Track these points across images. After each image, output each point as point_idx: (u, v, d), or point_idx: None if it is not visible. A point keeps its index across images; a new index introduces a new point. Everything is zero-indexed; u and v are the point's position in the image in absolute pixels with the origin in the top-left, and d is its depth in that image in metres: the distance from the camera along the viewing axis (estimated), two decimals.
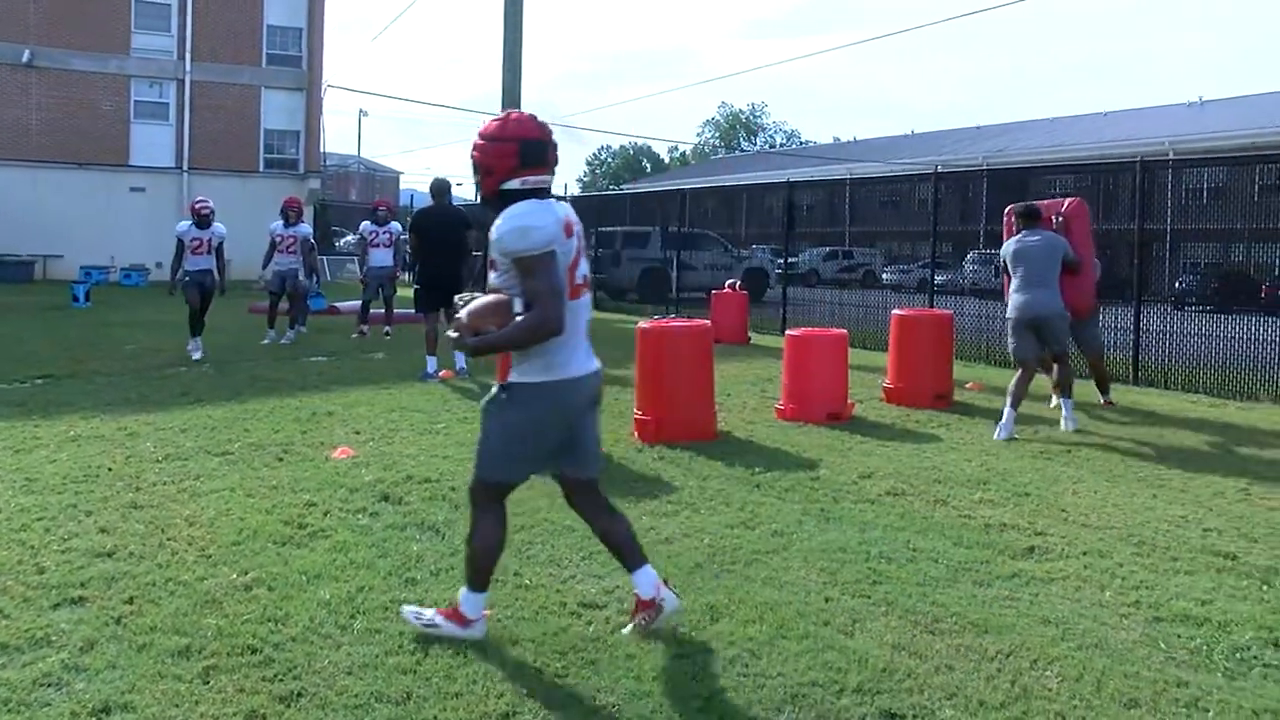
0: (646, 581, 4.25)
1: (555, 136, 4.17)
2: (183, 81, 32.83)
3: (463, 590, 4.20)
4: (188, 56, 32.67)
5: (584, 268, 4.15)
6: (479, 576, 4.17)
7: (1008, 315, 9.19)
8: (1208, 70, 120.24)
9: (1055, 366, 9.42)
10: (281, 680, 3.79)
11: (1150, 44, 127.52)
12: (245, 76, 33.75)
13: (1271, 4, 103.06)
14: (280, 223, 15.27)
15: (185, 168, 32.82)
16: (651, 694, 3.72)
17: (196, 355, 12.74)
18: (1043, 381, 10.18)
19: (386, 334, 16.07)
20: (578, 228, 4.12)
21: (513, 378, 4.06)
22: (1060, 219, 9.66)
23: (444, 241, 11.83)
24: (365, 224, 17.16)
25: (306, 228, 15.73)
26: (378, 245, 16.70)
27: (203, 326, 13.09)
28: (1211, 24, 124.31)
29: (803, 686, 3.79)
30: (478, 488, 4.21)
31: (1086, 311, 9.92)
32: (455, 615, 4.15)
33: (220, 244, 13.14)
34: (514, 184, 4.00)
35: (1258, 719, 3.65)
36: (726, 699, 3.70)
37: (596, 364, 4.35)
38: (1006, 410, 8.71)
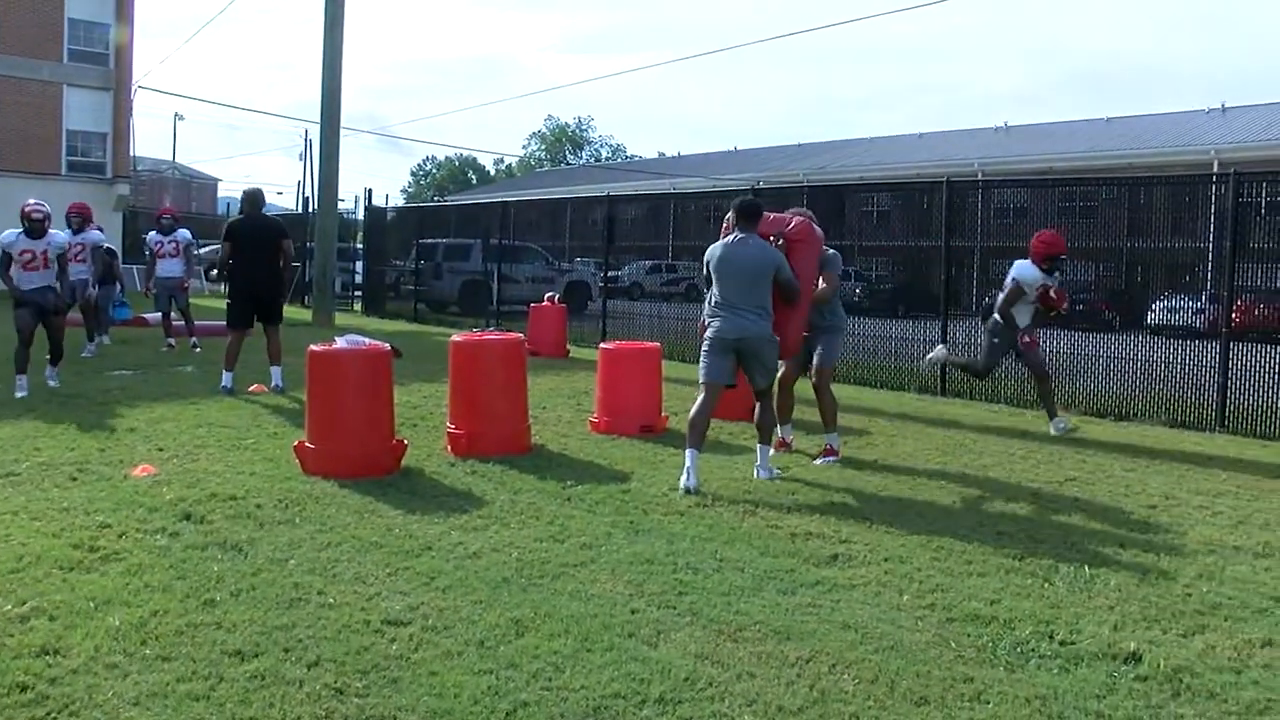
0: None
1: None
2: None
3: None
4: None
5: None
6: None
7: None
8: (1010, 98, 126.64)
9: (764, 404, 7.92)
10: (55, 719, 3.60)
11: (959, 72, 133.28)
12: (45, 72, 31.98)
13: (1072, 41, 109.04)
14: (153, 232, 14.58)
15: None
16: (453, 711, 3.70)
17: (21, 394, 10.53)
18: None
19: (195, 347, 15.45)
20: None
21: None
22: (781, 240, 7.77)
23: (259, 252, 11.54)
24: (151, 234, 16.50)
25: (97, 234, 14.60)
26: (164, 255, 16.05)
27: (61, 355, 11.40)
28: (1019, 56, 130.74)
29: (605, 699, 3.82)
30: None
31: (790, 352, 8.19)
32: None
33: (61, 254, 11.22)
34: None
35: (1029, 705, 3.87)
36: (529, 714, 3.71)
37: None
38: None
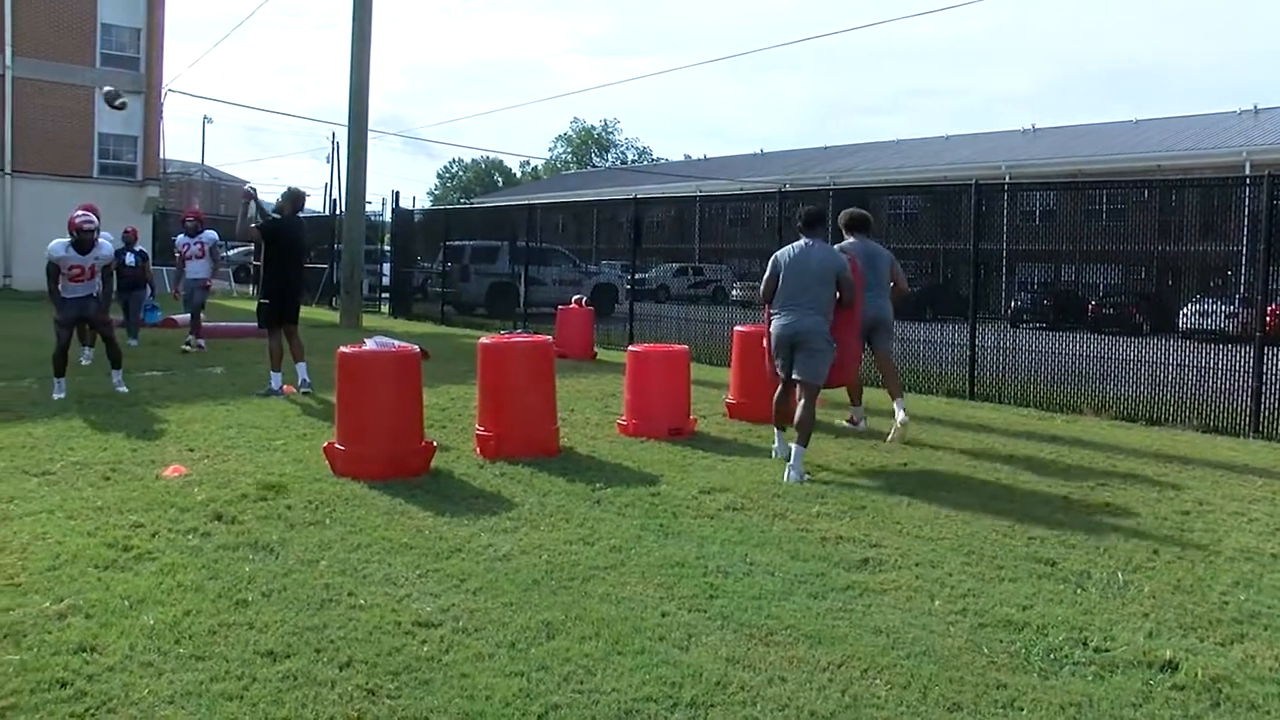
0: None
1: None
2: (2, 77, 31.17)
3: None
4: (8, 50, 31.03)
5: None
6: None
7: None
8: (1033, 102, 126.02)
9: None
10: (94, 715, 3.62)
11: (986, 73, 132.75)
12: (78, 76, 32.27)
13: (1099, 43, 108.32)
14: (181, 235, 14.44)
15: (8, 170, 31.32)
16: (485, 713, 3.70)
17: (58, 395, 10.50)
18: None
19: (199, 347, 15.39)
20: None
21: None
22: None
23: (297, 254, 11.58)
24: (179, 237, 16.61)
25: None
26: (190, 257, 16.16)
27: (120, 359, 11.24)
28: (1045, 58, 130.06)
29: (636, 702, 3.81)
30: None
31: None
32: None
33: (106, 265, 11.08)
34: None
35: (1063, 712, 3.83)
36: (560, 716, 3.70)
37: None
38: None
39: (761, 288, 8.50)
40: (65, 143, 32.09)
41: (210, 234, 16.54)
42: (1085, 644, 4.50)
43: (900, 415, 9.33)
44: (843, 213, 10.23)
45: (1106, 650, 4.44)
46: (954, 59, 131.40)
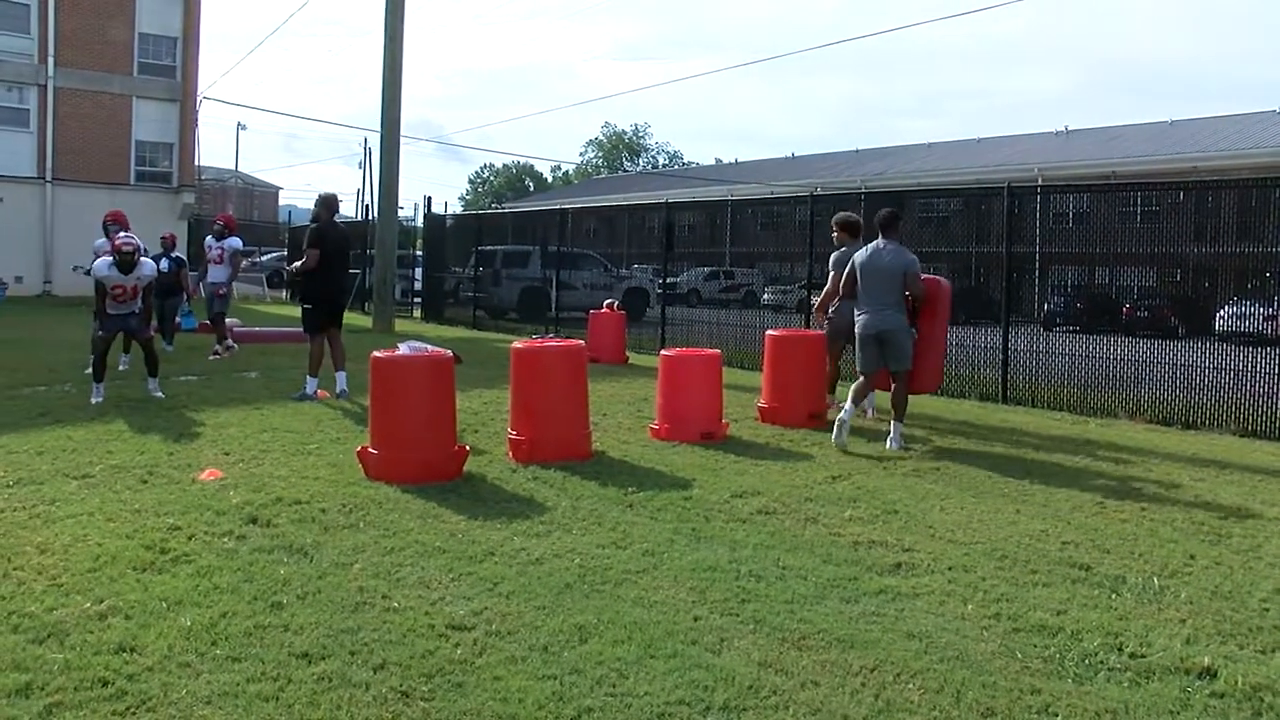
0: None
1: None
2: (44, 87, 31.42)
3: None
4: (50, 61, 31.32)
5: None
6: None
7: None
8: (1066, 103, 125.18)
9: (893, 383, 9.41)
10: (134, 714, 3.67)
11: (1017, 75, 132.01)
12: (116, 85, 32.55)
13: (1132, 43, 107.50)
14: (209, 237, 14.29)
15: (48, 178, 31.52)
16: (518, 716, 3.71)
17: (96, 399, 10.64)
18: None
19: (214, 356, 15.14)
20: None
21: None
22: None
23: (343, 259, 11.67)
24: (207, 239, 16.71)
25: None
26: (211, 261, 16.21)
27: (157, 367, 11.31)
28: (1077, 59, 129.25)
29: (669, 705, 3.82)
30: None
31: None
32: None
33: (150, 284, 11.20)
34: None
35: (1099, 719, 3.81)
36: None
37: None
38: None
39: (828, 286, 9.91)
40: (103, 150, 32.35)
41: (234, 241, 16.46)
42: (1121, 650, 4.46)
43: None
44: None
45: (1142, 656, 4.40)
46: (986, 61, 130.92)
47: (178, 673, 4.00)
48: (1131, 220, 13.69)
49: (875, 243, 9.45)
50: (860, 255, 9.48)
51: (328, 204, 12.06)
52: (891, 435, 9.21)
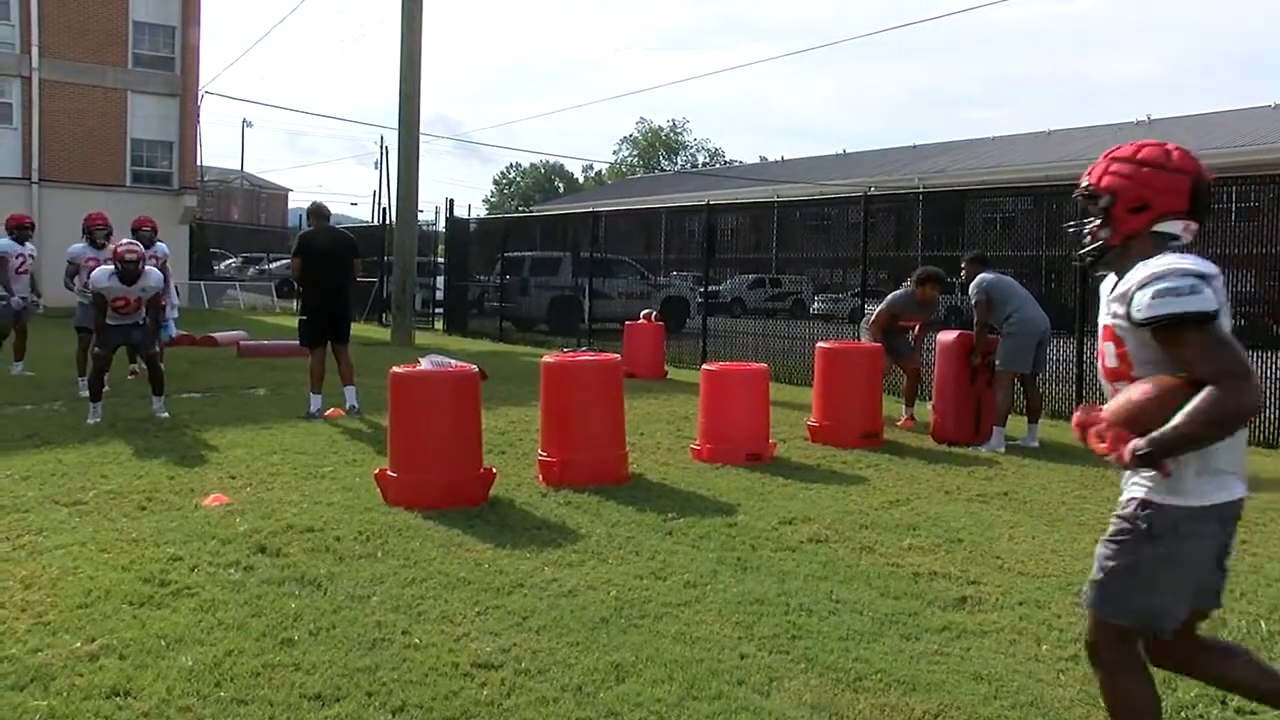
0: None
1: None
2: (28, 79, 31.46)
3: None
4: (34, 51, 31.32)
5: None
6: None
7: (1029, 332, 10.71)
8: (1150, 89, 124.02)
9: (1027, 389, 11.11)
10: None
11: (1092, 59, 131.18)
12: (108, 78, 32.69)
13: (1220, 20, 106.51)
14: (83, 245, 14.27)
15: (35, 178, 31.50)
16: None
17: (93, 420, 10.59)
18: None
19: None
20: None
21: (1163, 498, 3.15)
22: None
23: (333, 267, 11.78)
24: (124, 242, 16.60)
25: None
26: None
27: (162, 386, 11.28)
28: (1159, 39, 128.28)
29: None
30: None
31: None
32: None
33: (155, 295, 11.11)
34: (1174, 228, 3.36)
35: None
36: None
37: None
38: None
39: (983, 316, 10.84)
40: (96, 149, 32.43)
41: (162, 246, 15.80)
42: (1224, 703, 4.26)
43: None
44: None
45: (1251, 713, 4.19)
46: (1059, 43, 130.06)
47: (177, 717, 4.00)
48: (1226, 217, 13.50)
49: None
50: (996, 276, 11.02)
51: (317, 211, 12.63)
52: (1028, 436, 10.83)
